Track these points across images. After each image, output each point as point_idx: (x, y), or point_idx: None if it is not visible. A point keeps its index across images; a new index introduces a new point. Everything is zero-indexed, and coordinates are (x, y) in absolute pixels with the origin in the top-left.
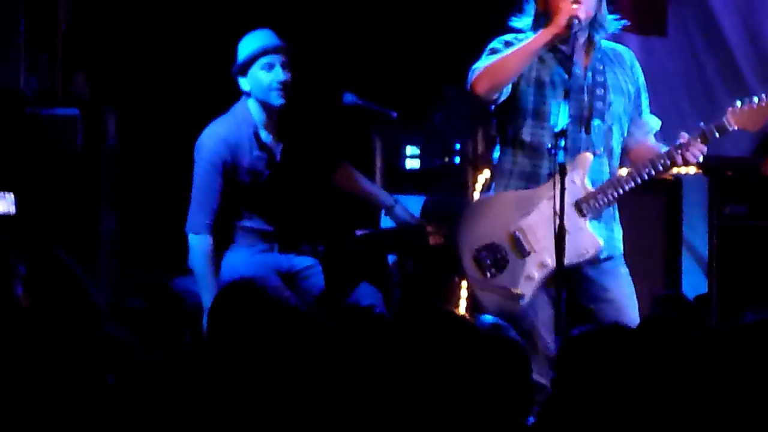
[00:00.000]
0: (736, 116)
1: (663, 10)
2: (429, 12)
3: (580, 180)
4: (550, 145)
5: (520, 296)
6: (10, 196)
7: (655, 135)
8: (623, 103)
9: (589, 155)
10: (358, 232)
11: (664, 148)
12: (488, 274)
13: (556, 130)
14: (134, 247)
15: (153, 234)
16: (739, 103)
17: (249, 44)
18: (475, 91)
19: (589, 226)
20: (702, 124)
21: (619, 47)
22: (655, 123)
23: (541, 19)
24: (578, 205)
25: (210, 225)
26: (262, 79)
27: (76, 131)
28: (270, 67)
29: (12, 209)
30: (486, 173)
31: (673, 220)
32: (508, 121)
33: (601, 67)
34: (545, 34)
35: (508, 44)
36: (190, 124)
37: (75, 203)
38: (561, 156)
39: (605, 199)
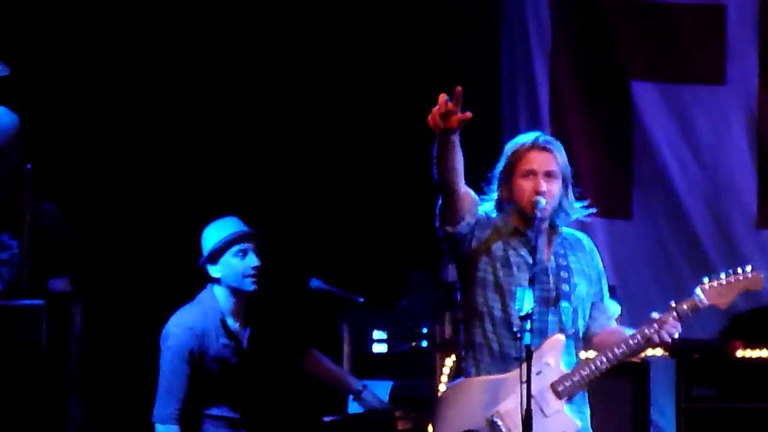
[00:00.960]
0: (706, 293)
1: (628, 193)
2: (395, 195)
3: (554, 362)
4: (516, 329)
5: None
6: None
7: (617, 320)
8: (586, 287)
9: (561, 337)
10: (326, 419)
11: (629, 331)
12: None
13: (521, 314)
14: None
15: (121, 423)
16: (707, 280)
17: (218, 232)
18: (439, 202)
19: (566, 408)
20: (673, 302)
21: (578, 234)
22: (615, 308)
23: (504, 204)
24: (554, 388)
25: (177, 414)
26: (236, 266)
27: (41, 322)
28: (243, 253)
29: None
30: (453, 358)
31: (640, 403)
32: (477, 294)
33: (563, 252)
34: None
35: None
36: (155, 313)
37: (41, 394)
38: (527, 338)
39: (580, 381)
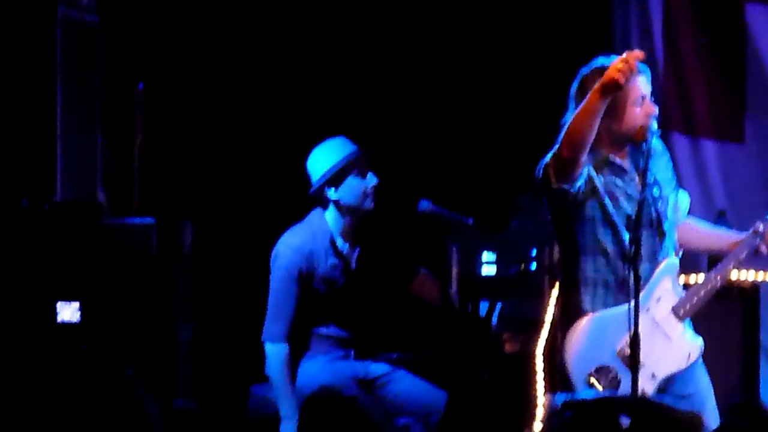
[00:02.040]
0: None
1: (740, 116)
2: (503, 120)
3: (671, 286)
4: (627, 255)
5: None
6: (75, 305)
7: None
8: (673, 195)
9: (675, 260)
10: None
11: (711, 227)
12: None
13: (630, 238)
14: (211, 356)
15: (230, 343)
16: None
17: (333, 153)
18: (562, 158)
19: (687, 331)
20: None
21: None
22: (686, 200)
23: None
24: (675, 311)
25: (286, 333)
26: (357, 186)
27: (151, 240)
28: (362, 173)
29: (76, 318)
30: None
31: (750, 328)
32: (586, 232)
33: (649, 166)
34: (597, 91)
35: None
36: (264, 234)
37: (151, 313)
38: (637, 264)
39: (699, 301)
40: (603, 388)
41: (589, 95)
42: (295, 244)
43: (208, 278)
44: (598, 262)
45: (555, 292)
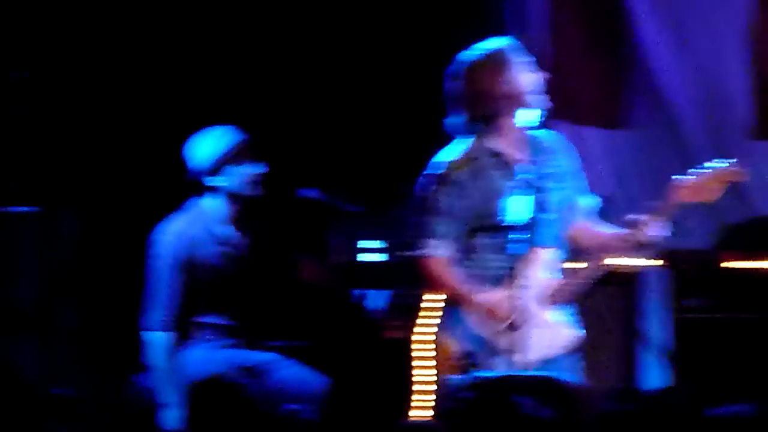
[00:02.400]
0: (681, 190)
1: (623, 103)
2: (386, 108)
3: (543, 274)
4: (504, 244)
5: None
6: None
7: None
8: (563, 190)
9: (546, 250)
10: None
11: (606, 227)
12: None
13: (505, 225)
14: (96, 344)
15: (113, 331)
16: (678, 177)
17: (219, 141)
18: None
19: (563, 319)
20: (647, 201)
21: (550, 133)
22: (591, 202)
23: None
24: (549, 299)
25: (168, 322)
26: (242, 172)
27: (35, 228)
28: (246, 160)
29: None
30: None
31: (630, 314)
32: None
33: (537, 158)
34: (478, 305)
35: (438, 182)
36: (150, 223)
37: (35, 300)
38: (515, 250)
39: (574, 289)
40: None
41: (465, 296)
42: (176, 231)
43: (93, 266)
44: (476, 256)
45: None
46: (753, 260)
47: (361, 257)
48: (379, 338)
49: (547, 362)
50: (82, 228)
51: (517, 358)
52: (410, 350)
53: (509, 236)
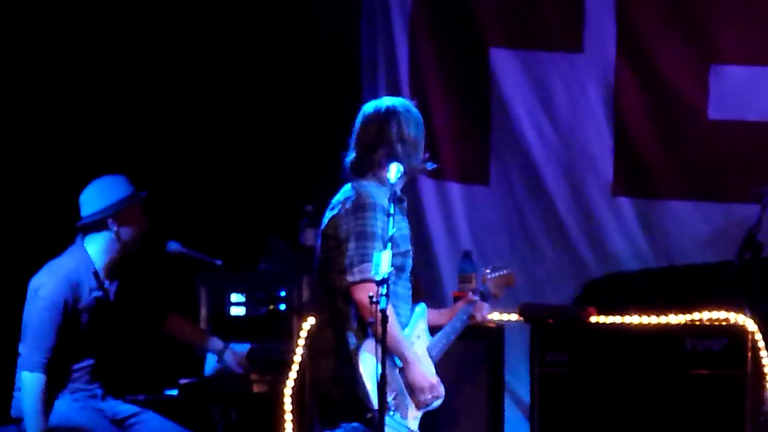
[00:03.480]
0: (490, 282)
1: (485, 159)
2: (254, 163)
3: (425, 326)
4: (371, 295)
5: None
6: None
7: None
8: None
9: (424, 305)
10: (182, 380)
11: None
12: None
13: (377, 278)
14: None
15: None
16: (488, 270)
17: (122, 188)
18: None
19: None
20: (479, 286)
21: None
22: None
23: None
24: (429, 352)
25: (45, 364)
26: (136, 225)
27: None
28: (136, 215)
29: None
30: (310, 320)
31: (495, 367)
32: None
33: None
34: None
35: (374, 209)
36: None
37: None
38: (383, 302)
39: (447, 345)
40: (397, 411)
41: (405, 353)
42: (62, 274)
43: None
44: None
45: (303, 332)
46: (614, 315)
47: (231, 310)
48: (245, 393)
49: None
50: None
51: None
52: (279, 404)
53: (380, 286)
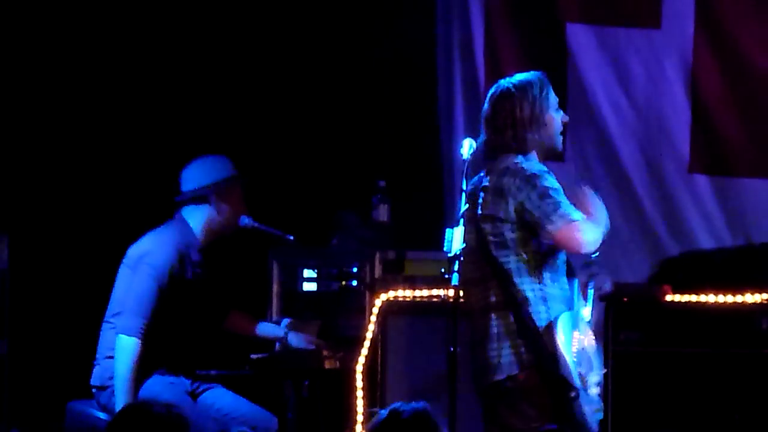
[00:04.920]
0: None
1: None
2: (326, 139)
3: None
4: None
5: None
6: None
7: None
8: None
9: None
10: (254, 356)
11: None
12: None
13: (450, 254)
14: (28, 372)
15: (47, 358)
16: None
17: (229, 168)
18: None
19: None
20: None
21: None
22: None
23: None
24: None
25: (143, 330)
26: (237, 207)
27: None
28: (237, 197)
29: None
30: (382, 296)
31: None
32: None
33: None
34: None
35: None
36: (82, 248)
37: None
38: (455, 279)
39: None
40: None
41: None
42: (172, 244)
43: (24, 293)
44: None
45: (375, 308)
46: (689, 294)
47: (303, 286)
48: (316, 369)
49: None
50: (18, 254)
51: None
52: (347, 382)
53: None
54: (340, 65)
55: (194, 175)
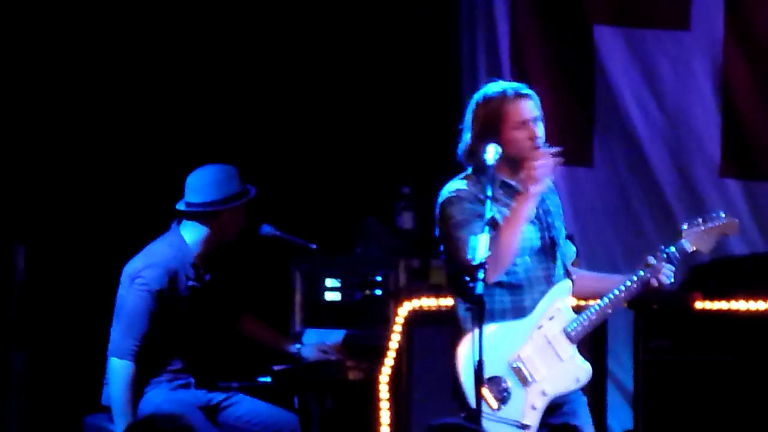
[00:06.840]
0: (689, 237)
1: (589, 140)
2: (349, 145)
3: (563, 306)
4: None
5: (527, 426)
6: None
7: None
8: (562, 227)
9: (569, 282)
10: (276, 367)
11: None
12: (495, 407)
13: (475, 262)
14: (45, 385)
15: (64, 371)
16: (685, 226)
17: (236, 181)
18: (487, 283)
19: (577, 354)
20: (663, 246)
21: None
22: (572, 250)
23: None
24: (567, 333)
25: (135, 352)
26: (237, 219)
27: None
28: (242, 207)
29: None
30: (407, 305)
31: (598, 353)
32: None
33: (542, 196)
34: (524, 206)
35: (460, 199)
36: (99, 260)
37: None
38: (480, 287)
39: (590, 325)
40: (494, 398)
41: (518, 210)
42: (161, 262)
43: (41, 305)
44: (495, 293)
45: (399, 318)
46: (720, 301)
47: (326, 296)
48: (340, 380)
49: (563, 404)
50: (34, 266)
51: (535, 388)
52: (375, 392)
53: (477, 270)
54: (365, 71)
55: (203, 187)
